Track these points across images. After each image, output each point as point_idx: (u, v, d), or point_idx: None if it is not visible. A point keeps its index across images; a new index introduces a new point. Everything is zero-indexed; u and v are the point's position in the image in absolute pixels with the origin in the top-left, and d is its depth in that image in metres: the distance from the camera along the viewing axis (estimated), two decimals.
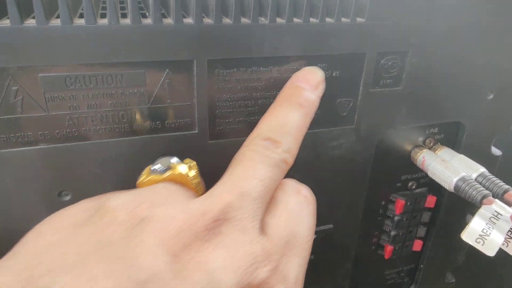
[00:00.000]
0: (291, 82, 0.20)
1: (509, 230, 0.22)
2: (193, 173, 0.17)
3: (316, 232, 0.26)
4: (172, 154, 0.19)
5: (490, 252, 0.20)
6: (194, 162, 0.18)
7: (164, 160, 0.18)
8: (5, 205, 0.18)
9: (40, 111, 0.17)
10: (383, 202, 0.29)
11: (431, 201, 0.29)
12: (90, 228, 0.14)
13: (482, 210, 0.22)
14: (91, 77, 0.17)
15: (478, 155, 0.26)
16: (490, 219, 0.22)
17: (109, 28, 0.17)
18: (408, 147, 0.27)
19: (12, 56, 0.16)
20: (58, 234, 0.15)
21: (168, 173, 0.17)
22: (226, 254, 0.14)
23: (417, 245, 0.31)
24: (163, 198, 0.16)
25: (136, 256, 0.13)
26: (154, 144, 0.20)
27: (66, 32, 0.16)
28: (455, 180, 0.24)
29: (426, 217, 0.30)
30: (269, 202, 0.17)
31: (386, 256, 0.30)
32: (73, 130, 0.18)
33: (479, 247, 0.21)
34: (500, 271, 0.44)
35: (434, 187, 0.29)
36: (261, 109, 0.21)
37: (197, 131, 0.20)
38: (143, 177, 0.17)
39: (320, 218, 0.26)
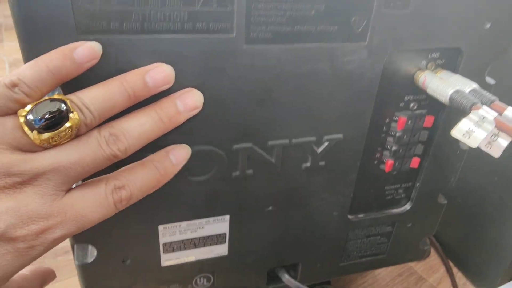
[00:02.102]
0: (173, 96, 0.23)
1: (492, 134, 0.26)
2: (42, 138, 0.19)
3: (328, 140, 0.31)
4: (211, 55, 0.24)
5: (473, 143, 0.25)
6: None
7: (39, 112, 0.19)
8: None
9: None
10: (387, 120, 0.33)
11: (429, 120, 0.33)
12: None
13: (471, 115, 0.26)
14: None
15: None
16: (477, 122, 0.26)
17: None
18: (412, 70, 0.31)
19: None
20: None
21: (27, 130, 0.19)
22: (14, 206, 0.19)
23: (415, 162, 0.35)
24: (5, 145, 0.19)
25: None
26: (198, 44, 0.24)
27: None
28: (450, 92, 0.28)
29: (424, 136, 0.34)
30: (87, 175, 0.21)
31: (387, 170, 0.35)
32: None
33: (465, 140, 0.25)
34: (487, 197, 0.48)
35: (433, 108, 0.33)
36: (288, 21, 0.25)
37: (234, 35, 0.24)
38: (21, 113, 0.19)
39: (332, 128, 0.31)
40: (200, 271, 0.35)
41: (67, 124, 0.20)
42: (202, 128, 0.27)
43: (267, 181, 0.31)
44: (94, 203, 0.21)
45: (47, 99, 0.20)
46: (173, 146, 0.25)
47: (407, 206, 0.39)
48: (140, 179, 0.23)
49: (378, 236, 0.40)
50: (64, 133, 0.20)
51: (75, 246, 0.31)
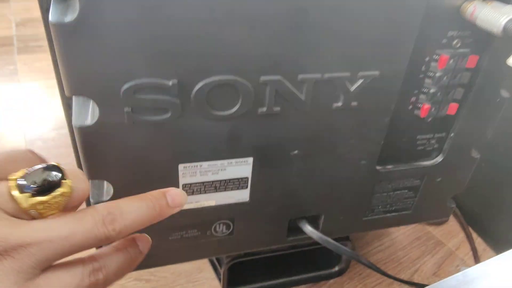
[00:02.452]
0: (163, 191, 0.24)
1: None
2: (33, 202, 0.19)
3: (363, 77, 0.28)
4: None
5: None
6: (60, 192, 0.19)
7: (30, 177, 0.19)
8: None
9: None
10: (427, 58, 0.30)
11: (472, 60, 0.30)
12: None
13: None
14: None
15: None
16: None
17: None
18: (459, 0, 0.28)
19: None
20: None
21: (19, 195, 0.18)
22: None
23: (452, 108, 0.33)
24: None
25: None
26: None
27: None
28: (504, 20, 0.25)
29: (465, 78, 0.31)
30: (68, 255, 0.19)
31: (422, 115, 0.32)
32: None
33: None
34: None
35: (477, 47, 0.30)
36: None
37: None
38: (12, 178, 0.19)
39: (368, 63, 0.28)
40: (219, 217, 0.33)
41: (60, 190, 0.19)
42: (227, 54, 0.25)
43: (294, 121, 0.29)
44: (70, 285, 0.19)
45: (40, 168, 0.19)
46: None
47: (439, 159, 0.37)
48: (115, 262, 0.22)
49: (405, 190, 0.38)
50: (54, 200, 0.19)
51: (90, 182, 0.29)
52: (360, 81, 0.28)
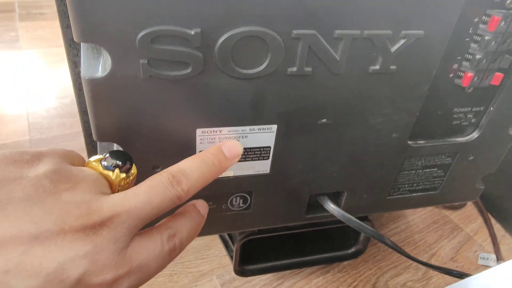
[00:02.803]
0: (219, 145, 0.25)
1: None
2: (121, 177, 0.22)
3: (406, 36, 0.25)
4: None
5: None
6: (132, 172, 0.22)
7: (111, 159, 0.21)
8: None
9: None
10: (475, 19, 0.27)
11: None
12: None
13: None
14: None
15: None
16: None
17: None
18: None
19: None
20: None
21: (105, 172, 0.21)
22: (91, 251, 0.17)
23: (497, 78, 0.30)
24: (86, 184, 0.19)
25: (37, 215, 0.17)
26: None
27: None
28: None
29: None
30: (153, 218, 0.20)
31: (464, 84, 0.29)
32: None
33: None
34: None
35: None
36: None
37: None
38: (93, 161, 0.21)
39: (413, 21, 0.25)
40: (237, 190, 0.31)
41: (133, 170, 0.22)
42: (258, 1, 0.21)
43: (325, 85, 0.26)
44: (154, 252, 0.20)
45: (112, 153, 0.22)
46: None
47: (474, 135, 0.34)
48: (185, 226, 0.23)
49: (435, 169, 0.36)
50: (130, 178, 0.22)
51: (98, 146, 0.26)
52: (402, 41, 0.25)
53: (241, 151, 0.26)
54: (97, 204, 0.18)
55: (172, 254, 0.21)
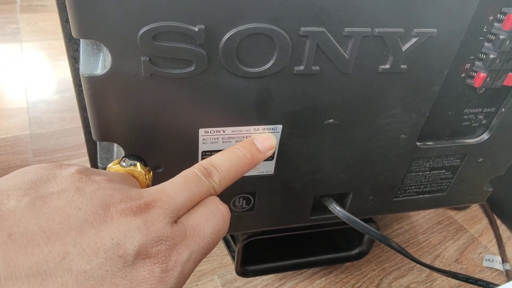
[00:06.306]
0: (251, 138, 0.26)
1: None
2: (144, 171, 0.23)
3: (418, 34, 0.24)
4: None
5: None
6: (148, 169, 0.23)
7: (128, 160, 0.22)
8: None
9: None
10: (491, 17, 0.26)
11: None
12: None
13: None
14: None
15: None
16: None
17: None
18: None
19: None
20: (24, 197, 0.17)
21: (129, 168, 0.22)
22: (142, 225, 0.18)
23: (510, 79, 0.29)
24: (118, 177, 0.20)
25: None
26: None
27: None
28: None
29: None
30: (193, 206, 0.21)
31: (476, 84, 0.28)
32: None
33: None
34: None
35: None
36: None
37: None
38: (113, 165, 0.22)
39: (425, 19, 0.24)
40: (240, 191, 0.30)
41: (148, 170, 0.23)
42: None
43: (333, 85, 0.25)
44: (208, 214, 0.21)
45: (127, 156, 0.23)
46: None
47: (484, 136, 0.33)
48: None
49: (443, 170, 0.35)
50: (149, 175, 0.23)
51: (98, 144, 0.25)
52: (414, 40, 0.24)
53: (274, 143, 0.26)
54: (136, 191, 0.19)
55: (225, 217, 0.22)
